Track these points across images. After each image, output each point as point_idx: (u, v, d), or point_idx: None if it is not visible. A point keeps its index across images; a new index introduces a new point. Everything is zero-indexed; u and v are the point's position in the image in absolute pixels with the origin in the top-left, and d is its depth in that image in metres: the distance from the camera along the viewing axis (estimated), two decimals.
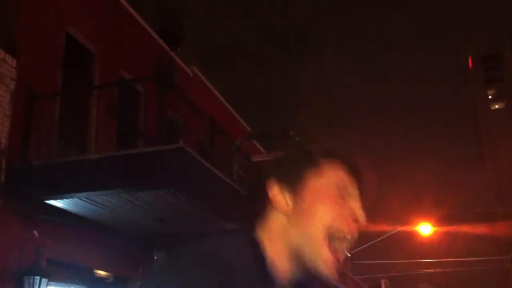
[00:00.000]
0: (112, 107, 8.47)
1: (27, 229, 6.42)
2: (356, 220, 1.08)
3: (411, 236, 23.45)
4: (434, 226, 21.35)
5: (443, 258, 32.60)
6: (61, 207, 6.67)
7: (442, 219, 27.52)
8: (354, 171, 1.11)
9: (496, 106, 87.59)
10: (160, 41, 10.72)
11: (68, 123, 7.85)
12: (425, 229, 20.63)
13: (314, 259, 1.04)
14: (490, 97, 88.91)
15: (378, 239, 19.29)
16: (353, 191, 1.09)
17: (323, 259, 1.04)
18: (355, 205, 1.09)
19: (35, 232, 6.46)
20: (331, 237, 1.05)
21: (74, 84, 8.22)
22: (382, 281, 18.14)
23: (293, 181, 1.08)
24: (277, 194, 1.07)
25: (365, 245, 18.49)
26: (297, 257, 1.05)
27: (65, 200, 6.47)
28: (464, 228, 43.53)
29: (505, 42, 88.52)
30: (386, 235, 20.09)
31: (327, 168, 1.09)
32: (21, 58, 6.81)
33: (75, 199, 6.43)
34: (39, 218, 6.60)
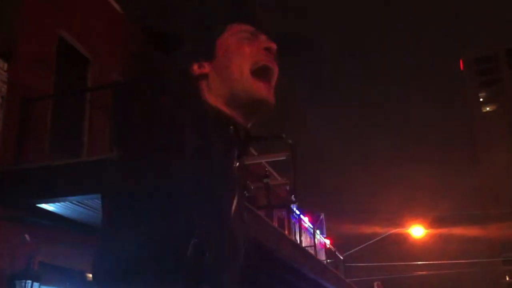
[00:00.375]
0: (107, 110, 8.48)
1: (19, 233, 6.40)
2: (267, 49, 1.22)
3: (404, 238, 23.51)
4: (427, 228, 21.45)
5: (436, 261, 32.74)
6: (53, 210, 6.66)
7: (435, 222, 27.64)
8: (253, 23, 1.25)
9: (488, 109, 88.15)
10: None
11: (62, 126, 7.84)
12: (417, 231, 20.72)
13: (250, 91, 1.18)
14: (481, 99, 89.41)
15: (371, 241, 19.35)
16: (256, 33, 1.24)
17: (257, 88, 1.19)
18: (262, 39, 1.23)
19: (27, 236, 6.44)
20: (254, 72, 1.19)
21: (67, 87, 8.22)
22: (375, 283, 18.21)
23: (205, 47, 1.23)
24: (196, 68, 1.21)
25: (357, 247, 18.53)
26: (234, 100, 1.19)
27: (57, 204, 6.46)
28: (457, 230, 43.75)
29: (498, 45, 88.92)
30: (379, 237, 20.17)
31: (230, 27, 1.24)
32: (13, 61, 6.81)
33: (67, 202, 6.42)
34: (31, 221, 6.58)
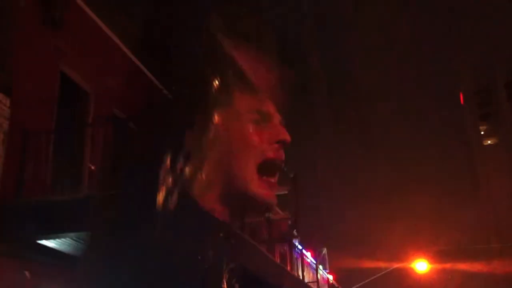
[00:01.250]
0: (107, 145, 8.47)
1: (19, 270, 6.31)
2: (279, 142, 1.00)
3: (407, 273, 23.26)
4: (430, 263, 21.26)
5: None
6: (54, 247, 6.58)
7: (438, 256, 27.37)
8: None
9: (489, 142, 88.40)
10: (155, 79, 10.81)
11: (63, 160, 7.82)
12: (421, 266, 20.53)
13: (253, 195, 0.98)
14: (482, 132, 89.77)
15: (375, 276, 19.13)
16: (268, 110, 1.01)
17: (263, 193, 0.99)
18: (274, 126, 1.01)
19: (27, 273, 6.35)
20: (260, 168, 0.98)
21: (68, 121, 8.24)
22: None
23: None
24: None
25: (360, 283, 18.32)
26: (230, 197, 0.99)
27: (57, 240, 6.39)
28: (460, 266, 43.26)
29: (496, 77, 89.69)
30: (382, 273, 19.93)
31: (238, 99, 0.99)
32: (15, 97, 6.83)
33: (68, 239, 6.35)
34: (31, 258, 6.50)
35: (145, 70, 10.66)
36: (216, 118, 0.97)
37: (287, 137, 1.01)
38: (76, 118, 8.61)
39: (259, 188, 0.98)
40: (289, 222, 15.33)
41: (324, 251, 18.41)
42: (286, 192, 14.22)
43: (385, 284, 24.07)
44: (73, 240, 6.37)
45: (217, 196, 0.97)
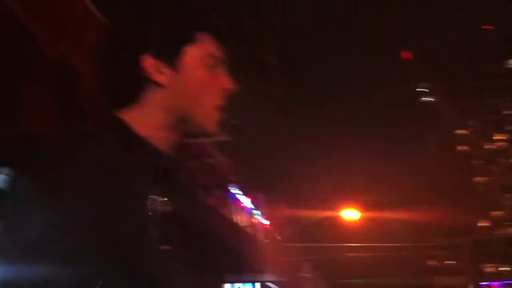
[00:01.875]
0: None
1: None
2: (226, 87, 1.11)
3: (339, 221, 24.11)
4: (361, 211, 21.82)
5: (368, 243, 33.73)
6: None
7: (370, 205, 28.47)
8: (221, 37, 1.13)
9: (429, 98, 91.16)
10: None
11: None
12: (352, 214, 21.08)
13: (208, 128, 1.09)
14: (420, 90, 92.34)
15: (307, 223, 19.70)
16: (220, 62, 1.11)
17: (214, 127, 1.10)
18: (222, 74, 1.11)
19: None
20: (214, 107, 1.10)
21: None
22: (304, 263, 18.64)
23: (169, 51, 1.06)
24: (153, 65, 1.04)
25: (294, 228, 18.84)
26: (184, 127, 1.09)
27: None
28: (390, 215, 45.14)
29: (438, 39, 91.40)
30: (315, 219, 20.55)
31: (201, 40, 1.09)
32: None
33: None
34: None
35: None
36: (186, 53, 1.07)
37: (232, 85, 1.11)
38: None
39: (214, 122, 1.10)
40: (228, 167, 15.51)
41: (261, 197, 18.76)
42: (227, 138, 14.28)
43: (319, 231, 24.99)
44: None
45: (169, 122, 1.06)
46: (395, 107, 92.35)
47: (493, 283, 73.87)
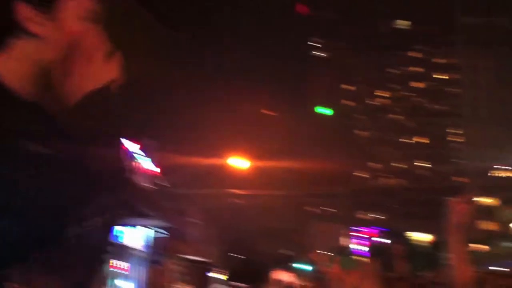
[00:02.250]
0: None
1: None
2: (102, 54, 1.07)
3: (227, 169, 24.68)
4: (250, 160, 22.30)
5: (256, 192, 34.71)
6: None
7: (257, 154, 29.30)
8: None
9: (323, 54, 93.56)
10: None
11: None
12: (241, 162, 21.54)
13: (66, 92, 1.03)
14: (313, 44, 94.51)
15: (195, 169, 19.91)
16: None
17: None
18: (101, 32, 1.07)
19: None
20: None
21: None
22: (191, 209, 18.96)
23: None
24: (26, 13, 0.98)
25: (181, 174, 18.99)
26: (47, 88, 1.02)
27: None
28: (276, 164, 46.57)
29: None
30: (203, 166, 20.79)
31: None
32: None
33: None
34: None
35: None
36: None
37: (114, 52, 1.08)
38: None
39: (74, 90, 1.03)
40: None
41: (152, 143, 18.68)
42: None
43: (207, 178, 25.40)
44: None
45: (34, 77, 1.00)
46: (286, 60, 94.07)
47: (367, 229, 79.48)
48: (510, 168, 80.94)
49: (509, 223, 41.73)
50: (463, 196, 2.37)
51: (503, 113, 73.89)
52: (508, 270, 12.85)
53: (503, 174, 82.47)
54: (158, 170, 18.21)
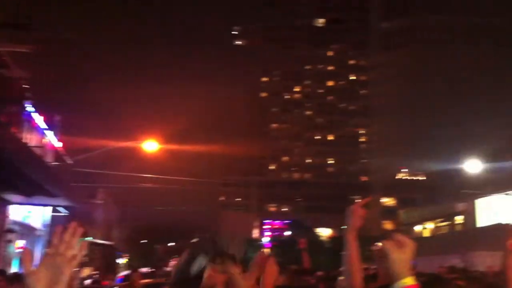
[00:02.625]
0: None
1: None
2: None
3: (137, 152, 24.19)
4: (160, 144, 22.05)
5: (167, 176, 34.39)
6: None
7: (170, 139, 28.99)
8: None
9: (239, 43, 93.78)
10: None
11: None
12: (151, 146, 21.23)
13: None
14: (233, 32, 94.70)
15: (103, 150, 19.45)
16: None
17: None
18: None
19: None
20: None
21: None
22: (99, 190, 18.56)
23: None
24: None
25: (88, 154, 18.52)
26: None
27: None
28: (190, 149, 46.38)
29: None
30: (111, 147, 20.35)
31: None
32: None
33: None
34: None
35: None
36: None
37: None
38: None
39: None
40: (25, 82, 14.48)
41: (58, 118, 17.96)
42: (28, 50, 13.35)
43: (116, 159, 24.80)
44: None
45: None
46: (209, 47, 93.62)
47: (275, 221, 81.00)
48: (413, 171, 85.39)
49: (409, 224, 43.99)
50: (362, 201, 2.62)
51: (412, 116, 77.47)
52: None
53: (406, 176, 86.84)
54: (61, 145, 17.53)
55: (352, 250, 2.49)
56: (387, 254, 1.49)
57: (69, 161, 18.13)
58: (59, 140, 17.38)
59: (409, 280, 1.46)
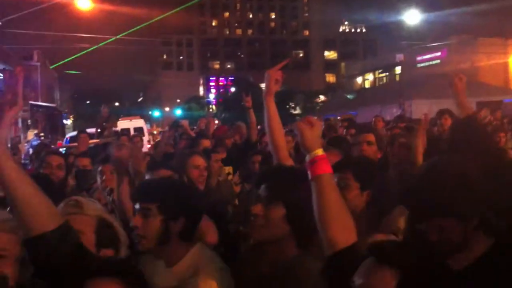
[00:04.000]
0: None
1: None
2: None
3: (70, 10, 22.95)
4: (93, 2, 20.96)
5: (100, 35, 33.32)
6: None
7: None
8: None
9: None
10: None
11: None
12: (84, 3, 20.14)
13: None
14: None
15: (35, 8, 18.31)
16: None
17: None
18: None
19: None
20: None
21: None
22: (35, 52, 17.83)
23: None
24: None
25: (18, 14, 17.48)
26: None
27: None
28: (124, 9, 44.54)
29: None
30: (43, 5, 19.17)
31: None
32: None
33: None
34: None
35: None
36: None
37: None
38: None
39: None
40: None
41: None
42: None
43: (46, 18, 23.50)
44: None
45: None
46: None
47: (221, 78, 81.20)
48: (354, 24, 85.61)
49: (350, 76, 44.83)
50: (278, 64, 2.65)
51: None
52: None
53: (347, 28, 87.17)
54: None
55: (270, 112, 2.55)
56: (300, 132, 1.72)
57: None
58: None
59: (319, 151, 1.70)
